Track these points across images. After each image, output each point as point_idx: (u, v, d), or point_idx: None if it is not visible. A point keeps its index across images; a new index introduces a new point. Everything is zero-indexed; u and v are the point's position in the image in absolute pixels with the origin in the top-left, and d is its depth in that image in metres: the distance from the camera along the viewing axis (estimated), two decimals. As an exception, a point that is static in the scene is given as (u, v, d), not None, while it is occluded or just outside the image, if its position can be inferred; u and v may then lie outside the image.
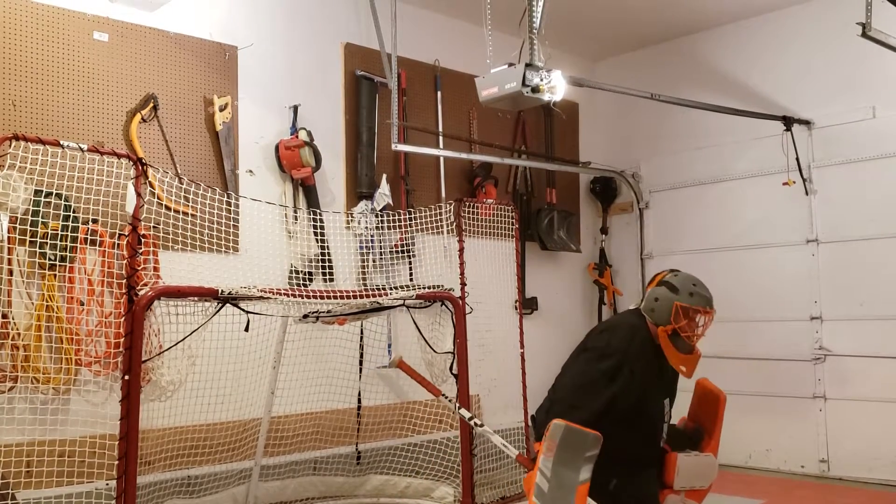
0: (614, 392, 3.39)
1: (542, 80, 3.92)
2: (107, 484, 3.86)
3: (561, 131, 7.10)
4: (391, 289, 4.74)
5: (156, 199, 4.61)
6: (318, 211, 5.24)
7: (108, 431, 3.89)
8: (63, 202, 4.09)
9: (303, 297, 4.10)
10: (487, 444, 5.45)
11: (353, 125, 5.68)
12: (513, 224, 5.72)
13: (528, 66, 3.90)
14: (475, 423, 3.14)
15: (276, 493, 4.91)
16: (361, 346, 5.35)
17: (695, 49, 6.88)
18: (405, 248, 5.65)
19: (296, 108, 5.36)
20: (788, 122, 6.03)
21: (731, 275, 6.52)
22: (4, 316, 3.88)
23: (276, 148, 5.26)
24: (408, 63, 5.89)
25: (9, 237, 3.81)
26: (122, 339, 3.46)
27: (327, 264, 5.19)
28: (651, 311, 3.63)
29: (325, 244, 5.25)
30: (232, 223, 4.79)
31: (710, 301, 3.64)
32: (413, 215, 5.45)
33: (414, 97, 6.05)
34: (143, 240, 3.96)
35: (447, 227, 5.25)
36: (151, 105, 4.71)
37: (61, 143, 3.47)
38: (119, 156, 3.66)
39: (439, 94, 6.21)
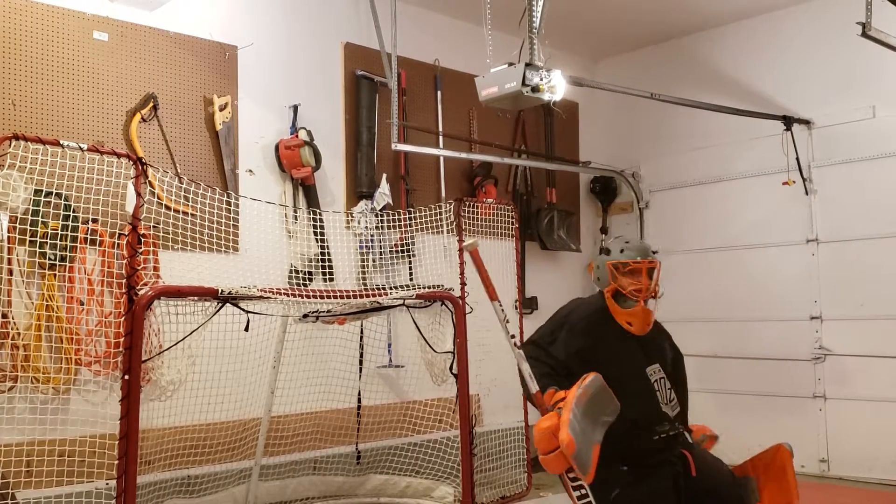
0: (558, 340, 3.42)
1: (542, 79, 3.92)
2: (107, 484, 3.85)
3: (561, 131, 7.10)
4: (391, 289, 4.74)
5: (156, 199, 4.61)
6: (318, 211, 5.24)
7: (108, 431, 3.89)
8: (63, 202, 4.09)
9: (303, 297, 4.10)
10: (487, 443, 5.46)
11: (353, 125, 5.68)
12: (513, 224, 5.72)
13: (528, 65, 3.90)
14: (514, 344, 3.09)
15: (276, 493, 4.91)
16: (361, 346, 5.34)
17: (695, 49, 6.88)
18: (405, 247, 5.65)
19: (296, 108, 5.36)
20: (788, 121, 6.03)
21: (731, 275, 6.52)
22: (4, 316, 3.88)
23: (276, 148, 5.26)
24: (408, 63, 5.89)
25: (9, 237, 3.81)
26: (122, 339, 3.46)
27: (327, 264, 5.19)
28: (598, 279, 3.67)
29: (325, 244, 5.25)
30: (232, 223, 4.79)
31: (644, 251, 3.61)
32: (413, 215, 5.45)
33: (414, 97, 6.05)
34: (143, 240, 3.96)
35: (447, 226, 5.25)
36: (151, 105, 4.71)
37: (61, 142, 3.47)
38: (119, 155, 3.66)
39: (439, 93, 6.21)
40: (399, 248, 5.64)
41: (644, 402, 3.43)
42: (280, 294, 3.93)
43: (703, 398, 6.35)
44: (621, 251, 3.59)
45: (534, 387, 3.06)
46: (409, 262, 5.68)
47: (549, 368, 3.33)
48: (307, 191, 5.34)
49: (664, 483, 3.34)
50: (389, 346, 5.61)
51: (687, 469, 3.40)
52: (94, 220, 4.19)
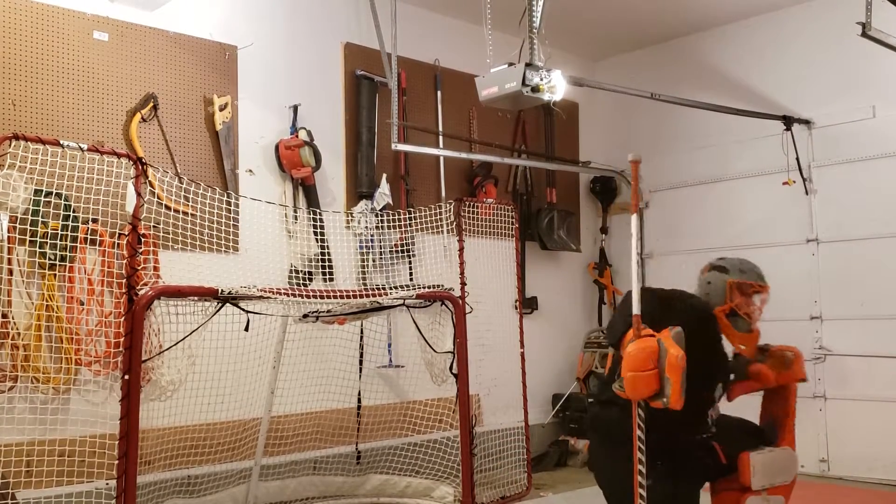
0: None
1: (542, 79, 3.93)
2: (107, 484, 3.86)
3: (561, 131, 7.10)
4: (391, 288, 4.74)
5: (156, 199, 4.61)
6: (318, 211, 5.24)
7: (108, 431, 3.89)
8: (63, 202, 4.09)
9: (303, 297, 4.10)
10: (487, 443, 5.46)
11: (353, 125, 5.68)
12: (513, 224, 5.71)
13: (528, 65, 3.90)
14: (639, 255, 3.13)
15: (276, 492, 4.91)
16: (361, 346, 5.35)
17: (695, 49, 6.87)
18: (405, 247, 5.65)
19: (296, 108, 5.36)
20: (788, 121, 6.03)
21: (731, 275, 6.51)
22: (4, 316, 3.88)
23: (276, 148, 5.26)
24: (408, 63, 5.89)
25: (9, 237, 3.81)
26: (122, 339, 3.46)
27: (327, 264, 5.19)
28: (705, 294, 3.62)
29: (325, 244, 5.25)
30: (232, 223, 4.78)
31: (763, 276, 3.64)
32: (413, 215, 5.44)
33: (414, 97, 6.05)
34: (143, 240, 3.96)
35: (447, 226, 5.25)
36: (151, 105, 4.72)
37: (61, 142, 3.47)
38: (119, 155, 3.66)
39: (439, 93, 6.21)
40: (399, 248, 5.64)
41: (701, 410, 3.46)
42: (280, 294, 3.93)
43: (703, 398, 6.35)
44: (742, 271, 3.56)
45: (637, 309, 3.04)
46: (409, 262, 5.68)
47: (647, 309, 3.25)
48: (307, 191, 5.34)
49: (693, 480, 3.37)
50: (389, 346, 5.61)
51: (717, 458, 3.49)
52: (94, 220, 4.19)
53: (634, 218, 3.12)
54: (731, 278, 3.56)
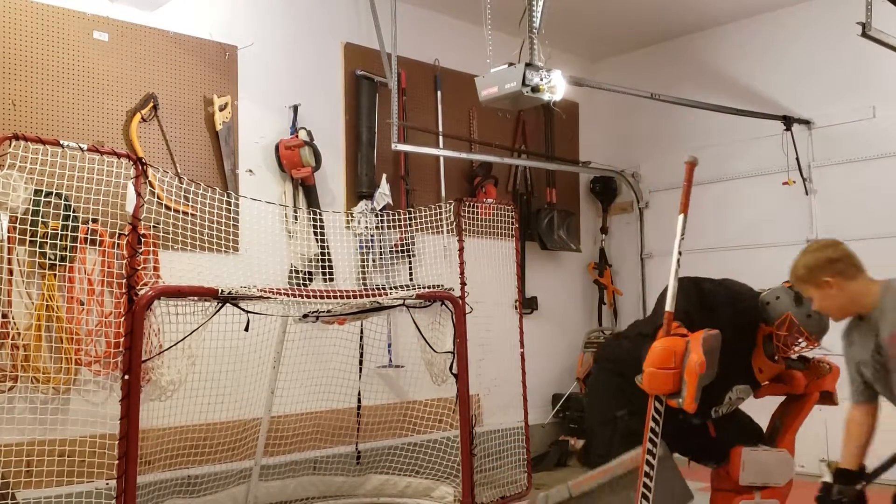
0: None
1: (542, 79, 3.93)
2: (107, 484, 3.85)
3: (561, 131, 7.10)
4: (391, 288, 4.74)
5: (156, 199, 4.61)
6: (318, 211, 5.24)
7: (108, 431, 3.89)
8: (63, 202, 4.09)
9: (303, 297, 4.10)
10: (487, 443, 5.46)
11: (353, 125, 5.68)
12: (513, 224, 5.71)
13: (528, 65, 3.91)
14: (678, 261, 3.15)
15: (276, 492, 4.91)
16: (361, 346, 5.34)
17: (695, 49, 6.87)
18: (405, 247, 5.65)
19: (296, 108, 5.36)
20: (788, 121, 6.03)
21: (730, 275, 6.42)
22: (4, 316, 3.88)
23: (276, 148, 5.26)
24: (408, 63, 5.89)
25: (9, 237, 3.81)
26: (122, 339, 3.46)
27: (327, 264, 5.19)
28: (766, 303, 3.61)
29: (325, 244, 5.25)
30: (232, 223, 4.78)
31: (822, 333, 3.59)
32: (413, 215, 5.44)
33: (414, 97, 6.05)
34: (143, 239, 3.96)
35: (447, 226, 5.25)
36: (151, 105, 4.72)
37: (61, 142, 3.47)
38: (119, 155, 3.66)
39: (439, 94, 6.21)
40: (399, 248, 5.64)
41: (705, 402, 3.43)
42: (280, 294, 3.93)
43: (703, 398, 6.34)
44: (809, 315, 3.52)
45: (670, 306, 3.04)
46: (409, 262, 5.68)
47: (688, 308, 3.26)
48: (307, 191, 5.34)
49: (666, 430, 3.36)
50: (389, 346, 5.61)
51: (704, 428, 3.56)
52: (94, 220, 4.19)
53: (681, 217, 3.23)
54: (795, 313, 3.53)
